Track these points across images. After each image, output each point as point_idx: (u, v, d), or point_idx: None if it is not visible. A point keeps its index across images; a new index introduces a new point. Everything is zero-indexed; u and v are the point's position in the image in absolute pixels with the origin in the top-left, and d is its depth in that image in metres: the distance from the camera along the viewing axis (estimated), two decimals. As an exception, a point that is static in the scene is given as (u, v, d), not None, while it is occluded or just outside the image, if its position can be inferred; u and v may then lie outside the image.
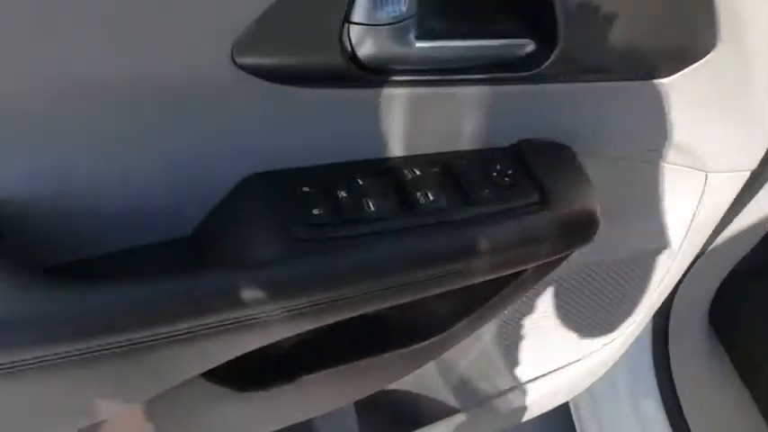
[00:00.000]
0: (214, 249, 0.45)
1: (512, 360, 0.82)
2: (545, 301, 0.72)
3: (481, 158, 0.50)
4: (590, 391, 1.01)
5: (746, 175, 0.64)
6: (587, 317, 0.79)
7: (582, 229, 0.52)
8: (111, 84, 0.35)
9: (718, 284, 0.99)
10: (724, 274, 0.95)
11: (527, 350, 0.79)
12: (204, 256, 0.45)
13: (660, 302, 0.84)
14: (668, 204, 0.66)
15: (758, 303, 1.10)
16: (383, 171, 0.47)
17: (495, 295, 0.57)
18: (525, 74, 0.46)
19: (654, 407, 1.13)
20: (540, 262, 0.52)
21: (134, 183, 0.40)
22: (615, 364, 0.93)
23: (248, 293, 0.40)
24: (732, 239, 0.79)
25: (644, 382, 1.15)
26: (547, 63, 0.45)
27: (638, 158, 0.61)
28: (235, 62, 0.36)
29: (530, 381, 0.86)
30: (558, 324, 0.76)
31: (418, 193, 0.46)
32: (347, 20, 0.37)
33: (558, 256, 0.54)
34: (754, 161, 0.63)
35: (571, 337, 0.81)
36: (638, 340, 0.92)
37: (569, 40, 0.45)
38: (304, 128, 0.42)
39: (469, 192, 0.47)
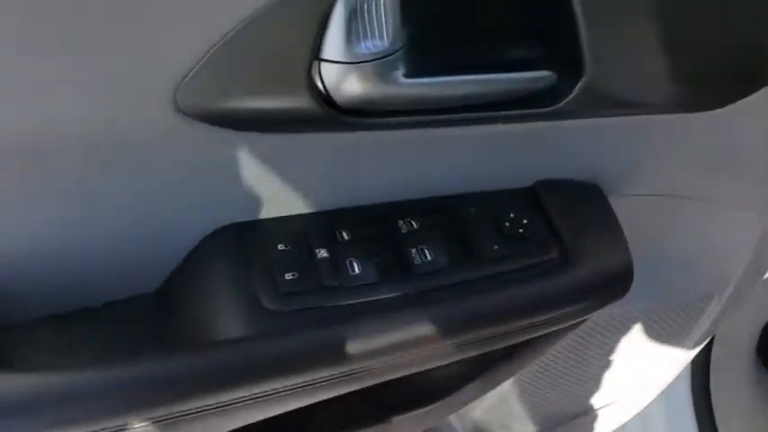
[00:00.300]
0: (179, 314, 0.39)
1: (536, 403, 0.75)
2: (570, 348, 0.65)
3: (491, 204, 0.43)
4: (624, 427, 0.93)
5: None
6: (619, 363, 0.71)
7: (610, 287, 0.44)
8: (44, 139, 0.30)
9: None
10: None
11: (551, 394, 0.71)
12: (168, 322, 0.39)
13: (704, 343, 0.75)
14: (716, 248, 0.58)
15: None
16: (372, 222, 0.40)
17: (509, 356, 0.49)
18: (544, 110, 0.38)
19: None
20: (560, 327, 0.44)
21: (92, 240, 0.36)
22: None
23: (210, 379, 0.34)
24: None
25: (681, 415, 1.06)
26: (569, 98, 0.38)
27: (677, 197, 0.53)
28: (178, 108, 0.30)
29: (559, 424, 0.78)
30: (586, 370, 0.68)
31: (413, 251, 0.39)
32: (317, 57, 0.30)
33: (581, 319, 0.46)
34: None
35: (602, 383, 0.73)
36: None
37: (597, 70, 0.37)
38: (274, 176, 0.36)
39: (475, 247, 0.40)
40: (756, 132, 0.46)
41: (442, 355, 0.38)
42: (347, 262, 0.37)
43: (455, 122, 0.37)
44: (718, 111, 0.43)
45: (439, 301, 0.37)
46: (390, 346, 0.36)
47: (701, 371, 1.02)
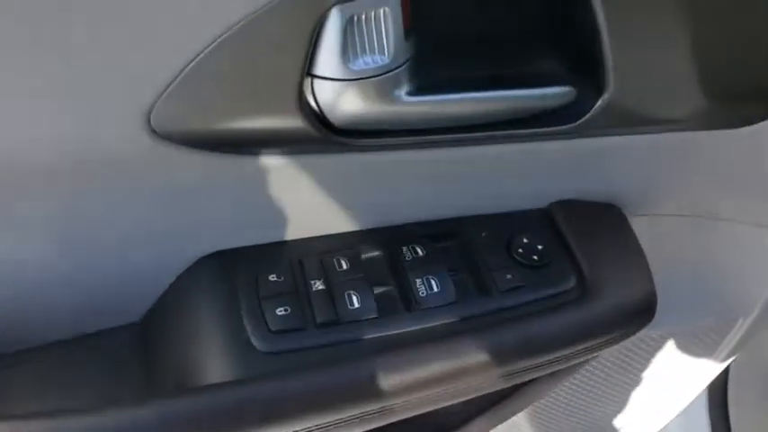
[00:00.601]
0: (163, 351, 0.36)
1: (550, 429, 0.71)
2: (587, 372, 0.61)
3: (503, 228, 0.39)
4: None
5: None
6: (639, 387, 0.67)
7: (632, 319, 0.40)
8: (16, 166, 0.27)
9: None
10: None
11: (566, 419, 0.67)
12: (153, 360, 0.36)
13: (727, 363, 0.71)
14: (742, 269, 0.54)
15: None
16: (373, 249, 0.37)
17: (523, 390, 0.46)
18: (562, 128, 0.35)
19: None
20: (577, 361, 0.41)
21: (69, 270, 0.33)
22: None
23: (196, 428, 0.31)
24: None
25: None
26: (589, 115, 0.34)
27: (701, 216, 0.49)
28: (153, 130, 0.26)
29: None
30: (604, 394, 0.64)
31: (419, 281, 0.36)
32: (310, 73, 0.27)
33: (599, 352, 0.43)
34: None
35: (621, 406, 0.70)
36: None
37: (620, 86, 0.33)
38: (263, 201, 0.33)
39: (487, 277, 0.37)
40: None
41: (447, 397, 0.35)
42: (345, 295, 0.34)
43: (463, 142, 0.33)
44: (743, 129, 0.39)
45: (446, 340, 0.34)
46: (393, 390, 0.32)
47: (718, 387, 0.98)
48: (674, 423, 0.86)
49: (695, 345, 0.62)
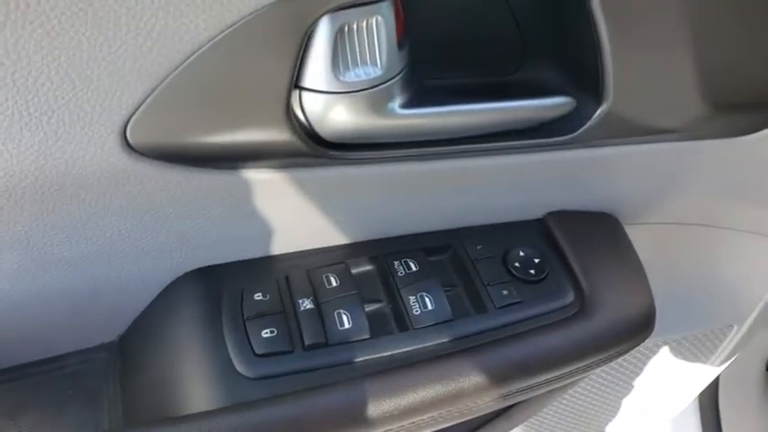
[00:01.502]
0: (142, 372, 0.34)
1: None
2: (584, 383, 0.60)
3: (499, 240, 0.38)
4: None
5: None
6: (635, 393, 0.66)
7: (632, 333, 0.39)
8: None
9: None
10: None
11: (564, 427, 0.66)
12: (131, 382, 0.34)
13: (722, 369, 0.71)
14: (738, 277, 0.53)
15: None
16: (365, 264, 0.35)
17: (517, 407, 0.45)
18: (560, 139, 0.33)
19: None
20: (577, 378, 0.39)
21: (46, 288, 0.31)
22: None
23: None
24: None
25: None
26: (588, 125, 0.33)
27: (698, 225, 0.48)
28: (129, 145, 0.25)
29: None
30: (600, 402, 0.64)
31: (412, 299, 0.34)
32: (297, 85, 0.25)
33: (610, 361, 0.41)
34: None
35: (616, 413, 0.69)
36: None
37: (620, 96, 0.32)
38: (248, 216, 0.31)
39: (482, 292, 0.35)
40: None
41: (442, 420, 0.34)
42: (335, 314, 0.32)
43: (459, 154, 0.32)
44: (742, 138, 0.38)
45: (441, 362, 0.32)
46: (386, 416, 0.31)
47: (709, 393, 0.97)
48: (666, 429, 0.86)
49: (690, 352, 0.61)
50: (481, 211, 0.38)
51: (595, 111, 0.33)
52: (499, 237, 0.38)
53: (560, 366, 0.35)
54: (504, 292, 0.36)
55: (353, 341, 0.32)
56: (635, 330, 0.39)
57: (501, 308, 0.35)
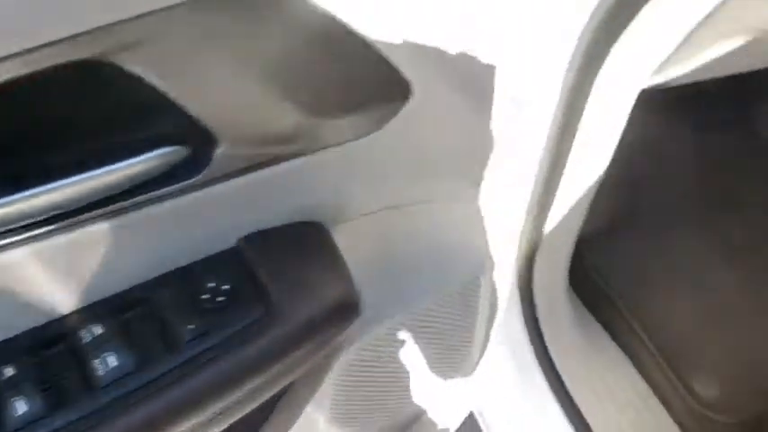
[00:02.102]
0: None
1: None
2: (367, 371, 0.65)
3: (187, 280, 0.41)
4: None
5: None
6: (424, 366, 0.72)
7: (330, 323, 0.44)
8: None
9: (568, 257, 0.96)
10: (569, 248, 0.92)
11: (368, 416, 0.71)
12: None
13: (498, 313, 0.79)
14: (459, 235, 0.61)
15: (612, 259, 1.09)
16: (47, 345, 0.37)
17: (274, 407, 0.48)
18: (189, 182, 0.37)
19: (541, 387, 1.10)
20: (298, 375, 0.44)
21: None
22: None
23: None
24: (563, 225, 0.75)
25: (528, 367, 1.12)
26: (211, 165, 0.37)
27: (402, 205, 0.55)
28: None
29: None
30: (394, 385, 0.69)
31: (96, 362, 0.36)
32: None
33: (323, 352, 0.46)
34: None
35: (416, 387, 0.75)
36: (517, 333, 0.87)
37: (234, 134, 0.36)
38: None
39: (168, 334, 0.38)
40: (419, 138, 0.48)
41: None
42: (10, 403, 0.34)
43: (88, 221, 0.35)
44: (379, 132, 0.44)
45: (129, 410, 0.35)
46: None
47: (532, 324, 1.07)
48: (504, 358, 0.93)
49: (456, 310, 0.68)
50: (161, 259, 0.41)
51: (211, 153, 0.37)
52: (190, 276, 0.41)
53: (256, 374, 0.39)
54: (190, 327, 0.39)
55: (29, 423, 0.33)
56: (334, 318, 0.44)
57: (189, 341, 0.38)
